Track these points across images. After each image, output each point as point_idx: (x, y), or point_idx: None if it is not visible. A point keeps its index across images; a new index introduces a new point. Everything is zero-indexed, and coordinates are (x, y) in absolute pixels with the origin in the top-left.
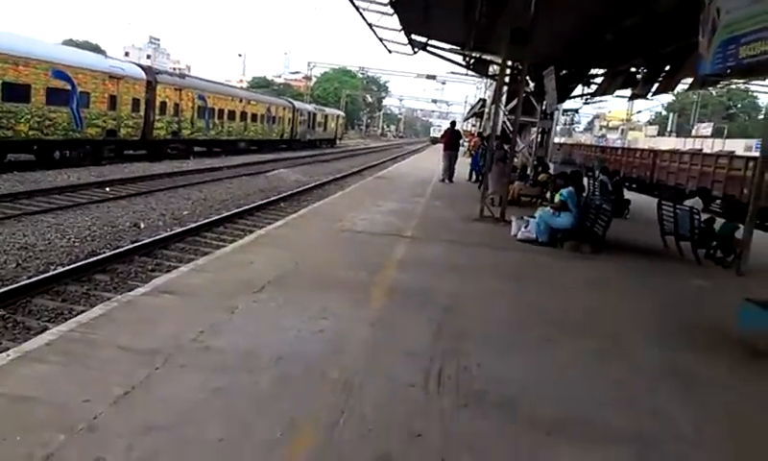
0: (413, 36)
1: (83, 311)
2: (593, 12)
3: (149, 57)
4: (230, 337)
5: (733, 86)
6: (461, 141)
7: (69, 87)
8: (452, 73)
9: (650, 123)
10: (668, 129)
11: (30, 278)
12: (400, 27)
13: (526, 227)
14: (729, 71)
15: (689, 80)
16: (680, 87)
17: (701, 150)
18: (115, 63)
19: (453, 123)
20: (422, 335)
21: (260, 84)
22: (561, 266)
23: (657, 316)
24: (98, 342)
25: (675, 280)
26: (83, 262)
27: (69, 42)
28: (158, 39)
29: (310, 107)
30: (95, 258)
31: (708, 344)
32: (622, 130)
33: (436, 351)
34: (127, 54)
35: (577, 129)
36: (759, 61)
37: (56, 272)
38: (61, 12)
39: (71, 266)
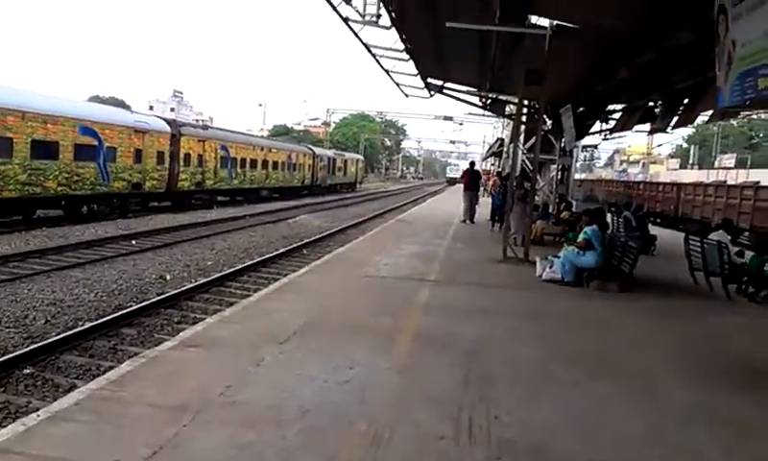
0: (429, 80)
1: (110, 367)
2: (606, 50)
3: (172, 109)
4: (257, 390)
5: (755, 117)
6: (480, 181)
7: (96, 143)
8: (469, 114)
9: (671, 156)
10: (690, 161)
11: (58, 334)
12: (416, 71)
13: (551, 267)
14: (748, 103)
15: (709, 112)
16: (699, 120)
17: (725, 181)
18: (140, 118)
19: (472, 163)
20: (450, 382)
21: (280, 132)
22: (587, 306)
23: (688, 356)
24: (126, 399)
25: (706, 318)
26: (110, 317)
27: (95, 98)
28: (181, 92)
29: (330, 152)
30: (122, 312)
31: (744, 384)
32: (643, 163)
33: (464, 399)
34: (151, 107)
35: (597, 164)
36: None
37: (83, 327)
38: (88, 68)
39: (99, 321)
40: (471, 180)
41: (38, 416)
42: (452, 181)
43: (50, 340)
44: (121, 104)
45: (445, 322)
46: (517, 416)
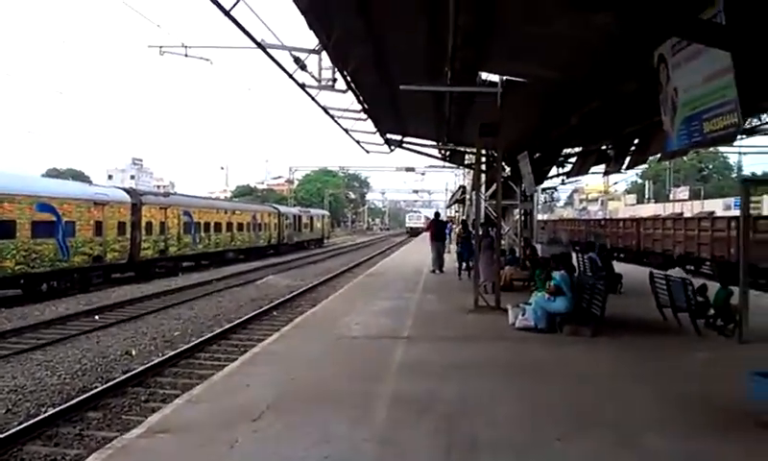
0: (388, 136)
1: (77, 456)
2: (555, 101)
3: (132, 177)
4: None
5: (702, 151)
6: (446, 229)
7: (54, 219)
8: (430, 166)
9: (627, 192)
10: (646, 196)
11: (20, 423)
12: (375, 129)
13: (523, 314)
14: (696, 145)
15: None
16: (652, 158)
17: (681, 213)
18: (99, 190)
19: (437, 214)
20: (432, 450)
21: (243, 193)
22: (562, 355)
23: (667, 401)
24: None
25: (679, 357)
26: (74, 401)
27: (53, 171)
28: (141, 159)
29: (295, 210)
30: (87, 395)
31: (720, 424)
32: (602, 201)
33: None
34: (110, 177)
35: (558, 204)
36: (723, 135)
37: (47, 414)
38: (44, 141)
39: (62, 406)
40: (438, 229)
41: None
42: (414, 232)
43: (11, 431)
44: (80, 175)
45: (422, 383)
46: None
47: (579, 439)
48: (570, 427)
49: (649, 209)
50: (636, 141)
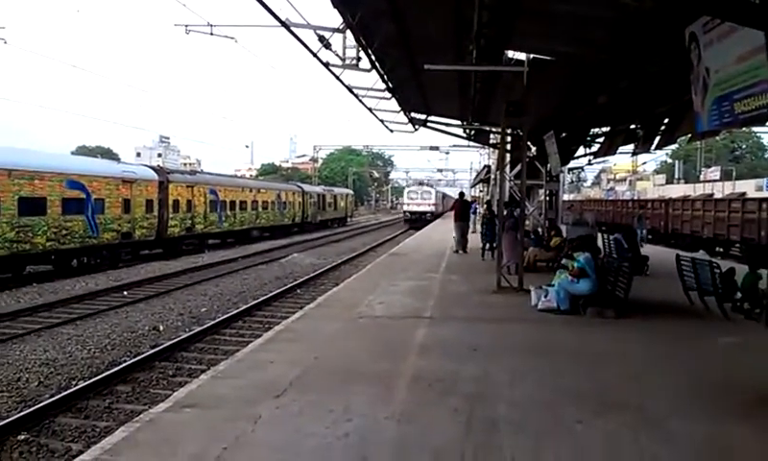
0: (412, 115)
1: (106, 428)
2: (583, 79)
3: (160, 155)
4: (254, 451)
5: (735, 130)
6: (472, 210)
7: (84, 196)
8: (454, 146)
9: (657, 172)
10: (676, 176)
11: (52, 396)
12: (399, 108)
13: (546, 296)
14: (727, 126)
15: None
16: (682, 138)
17: (712, 194)
18: (128, 168)
19: (461, 194)
20: (452, 429)
21: (268, 171)
22: (585, 336)
23: (692, 384)
24: None
25: (705, 341)
26: (103, 375)
27: (82, 148)
28: (168, 138)
29: (319, 188)
30: (115, 369)
31: (745, 409)
32: (630, 181)
33: (467, 447)
34: (138, 154)
35: (585, 184)
36: (755, 116)
37: (77, 387)
38: (74, 119)
39: (92, 380)
40: (461, 210)
41: None
42: (415, 219)
43: (44, 403)
44: (108, 152)
45: (444, 363)
46: None
47: (600, 421)
48: (592, 410)
49: (678, 190)
50: (665, 121)
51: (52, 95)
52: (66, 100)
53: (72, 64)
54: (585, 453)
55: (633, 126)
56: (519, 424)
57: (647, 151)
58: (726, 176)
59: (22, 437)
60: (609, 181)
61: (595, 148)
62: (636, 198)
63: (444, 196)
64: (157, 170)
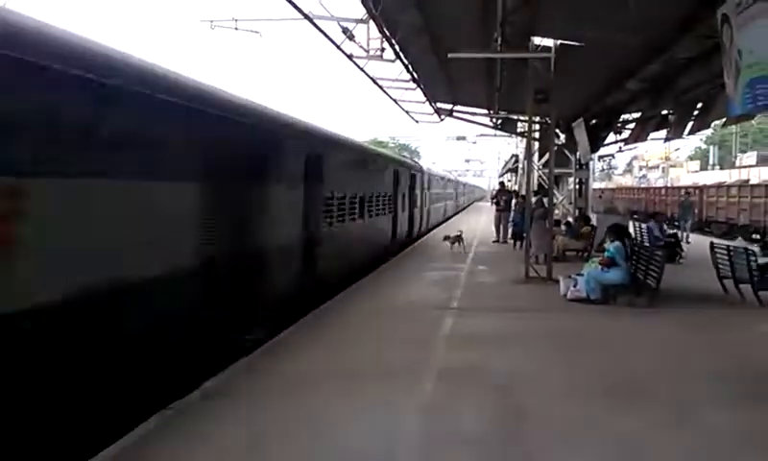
0: (438, 105)
1: None
2: (612, 64)
3: None
4: (283, 446)
5: None
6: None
7: None
8: (481, 135)
9: (690, 158)
10: (710, 162)
11: None
12: (425, 98)
13: (575, 286)
14: (761, 110)
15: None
16: (716, 122)
17: (747, 180)
18: None
19: (502, 183)
20: (479, 420)
21: None
22: (616, 326)
23: (724, 372)
24: None
25: (741, 330)
26: None
27: None
28: None
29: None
30: None
31: None
32: (663, 168)
33: (495, 439)
34: None
35: (616, 172)
36: None
37: None
38: None
39: None
40: (504, 200)
41: None
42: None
43: None
44: None
45: (470, 353)
46: (553, 457)
47: (631, 412)
48: (622, 400)
49: (713, 177)
50: (698, 105)
51: None
52: None
53: None
54: (616, 444)
55: (664, 111)
56: (548, 415)
57: (680, 136)
58: (762, 161)
59: None
60: (641, 168)
61: (626, 134)
62: (669, 185)
63: (464, 187)
64: None
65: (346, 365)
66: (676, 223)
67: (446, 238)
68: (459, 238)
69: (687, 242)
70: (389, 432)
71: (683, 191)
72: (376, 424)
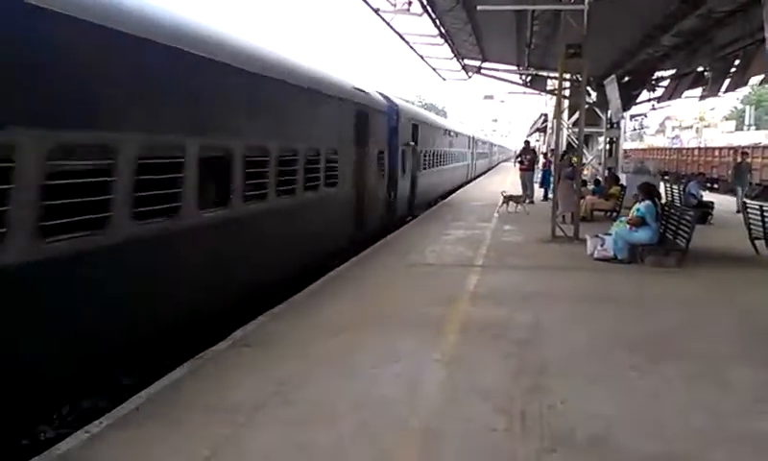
0: (466, 62)
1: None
2: (648, 18)
3: None
4: (309, 390)
5: None
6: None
7: None
8: (510, 93)
9: (726, 118)
10: (746, 123)
11: None
12: (452, 55)
13: (602, 245)
14: None
15: (761, 75)
16: (754, 79)
17: None
18: None
19: (527, 142)
20: (501, 373)
21: None
22: (642, 284)
23: (751, 332)
24: None
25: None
26: None
27: None
28: None
29: None
30: None
31: None
32: (696, 129)
33: (516, 390)
34: None
35: (648, 132)
36: None
37: None
38: None
39: None
40: (528, 159)
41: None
42: None
43: None
44: None
45: (494, 309)
46: (573, 406)
47: (655, 369)
48: (647, 357)
49: (749, 138)
50: (736, 62)
51: None
52: None
53: None
54: (636, 398)
55: (700, 68)
56: (570, 370)
57: (715, 94)
58: None
59: None
60: (674, 128)
61: (659, 92)
62: (703, 146)
63: (496, 147)
64: None
65: (371, 318)
66: (730, 189)
67: (507, 199)
68: (516, 198)
69: (738, 211)
70: (413, 379)
71: (730, 152)
72: (401, 373)
